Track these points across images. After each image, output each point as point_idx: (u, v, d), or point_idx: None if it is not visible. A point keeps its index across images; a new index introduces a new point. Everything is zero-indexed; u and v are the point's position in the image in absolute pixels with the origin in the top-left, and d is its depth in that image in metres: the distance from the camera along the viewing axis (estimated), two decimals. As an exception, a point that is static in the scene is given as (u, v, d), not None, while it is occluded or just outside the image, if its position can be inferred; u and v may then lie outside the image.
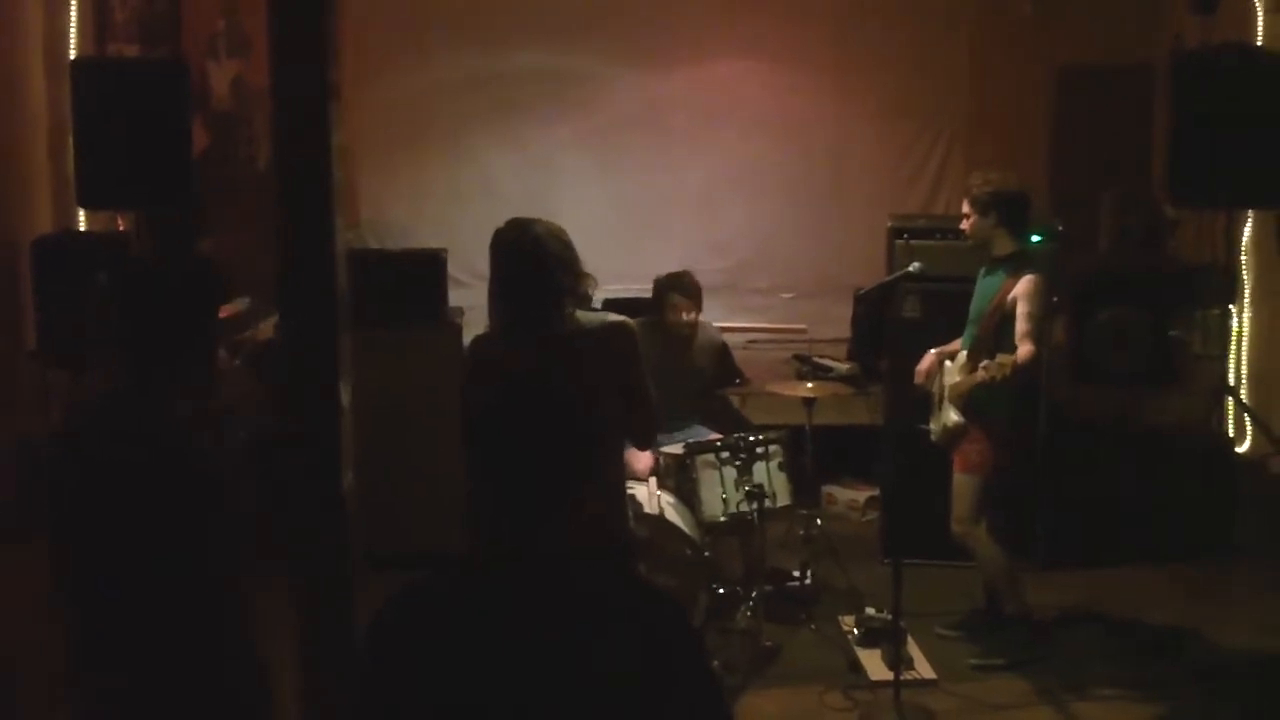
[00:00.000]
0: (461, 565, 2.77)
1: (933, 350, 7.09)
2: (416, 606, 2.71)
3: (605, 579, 2.75)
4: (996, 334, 6.64)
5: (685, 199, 12.88)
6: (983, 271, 6.88)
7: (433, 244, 9.15)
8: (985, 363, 6.43)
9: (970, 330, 6.84)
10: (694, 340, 7.73)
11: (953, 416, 6.75)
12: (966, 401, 6.69)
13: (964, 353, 6.80)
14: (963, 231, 6.91)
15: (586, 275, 4.92)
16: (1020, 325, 6.55)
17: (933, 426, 7.01)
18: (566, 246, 4.87)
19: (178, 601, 3.49)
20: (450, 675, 2.60)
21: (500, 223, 5.01)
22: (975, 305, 6.85)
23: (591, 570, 2.73)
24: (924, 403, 7.12)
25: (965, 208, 6.82)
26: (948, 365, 6.92)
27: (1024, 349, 6.45)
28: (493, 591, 2.65)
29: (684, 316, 7.59)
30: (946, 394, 6.82)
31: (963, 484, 6.78)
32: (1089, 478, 8.15)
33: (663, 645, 2.66)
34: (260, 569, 3.86)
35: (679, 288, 7.63)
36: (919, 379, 7.08)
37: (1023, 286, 6.59)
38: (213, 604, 3.58)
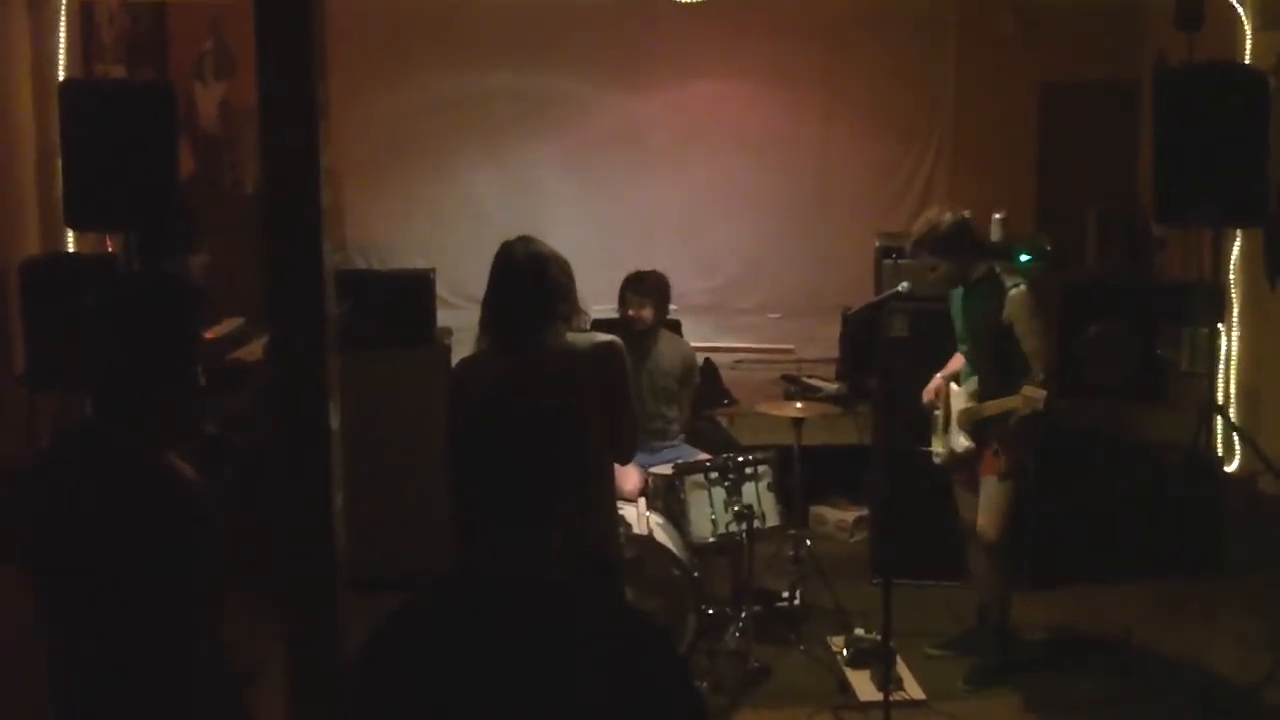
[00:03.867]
0: (447, 586, 2.76)
1: (938, 374, 7.08)
2: (404, 629, 2.70)
3: (590, 601, 2.75)
4: (998, 355, 6.63)
5: (669, 218, 12.92)
6: (959, 292, 6.85)
7: (419, 264, 9.16)
8: (1024, 394, 6.39)
9: (966, 352, 6.84)
10: (657, 340, 7.74)
11: (963, 441, 6.74)
12: (978, 428, 6.68)
13: (973, 379, 6.78)
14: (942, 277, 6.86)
15: (581, 311, 4.97)
16: (1028, 344, 6.52)
17: (937, 449, 7.01)
18: (568, 276, 4.93)
19: (156, 626, 3.47)
20: (437, 696, 2.59)
21: (485, 243, 5.05)
22: (965, 325, 6.83)
23: (577, 591, 2.73)
24: (925, 423, 7.12)
25: (928, 256, 6.76)
26: (954, 389, 6.91)
27: (1042, 372, 6.45)
28: (478, 614, 2.65)
29: (631, 313, 7.62)
30: (955, 418, 6.81)
31: (998, 491, 6.74)
32: (1076, 494, 8.15)
33: (646, 670, 2.66)
34: (246, 591, 3.85)
35: (633, 285, 7.69)
36: (927, 398, 7.08)
37: (1013, 307, 6.56)
38: (191, 628, 3.56)
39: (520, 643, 2.59)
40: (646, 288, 7.66)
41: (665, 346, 7.77)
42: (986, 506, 6.76)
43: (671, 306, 7.93)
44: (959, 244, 6.67)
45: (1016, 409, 6.44)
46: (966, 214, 6.77)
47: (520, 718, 2.55)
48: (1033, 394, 6.34)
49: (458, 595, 2.72)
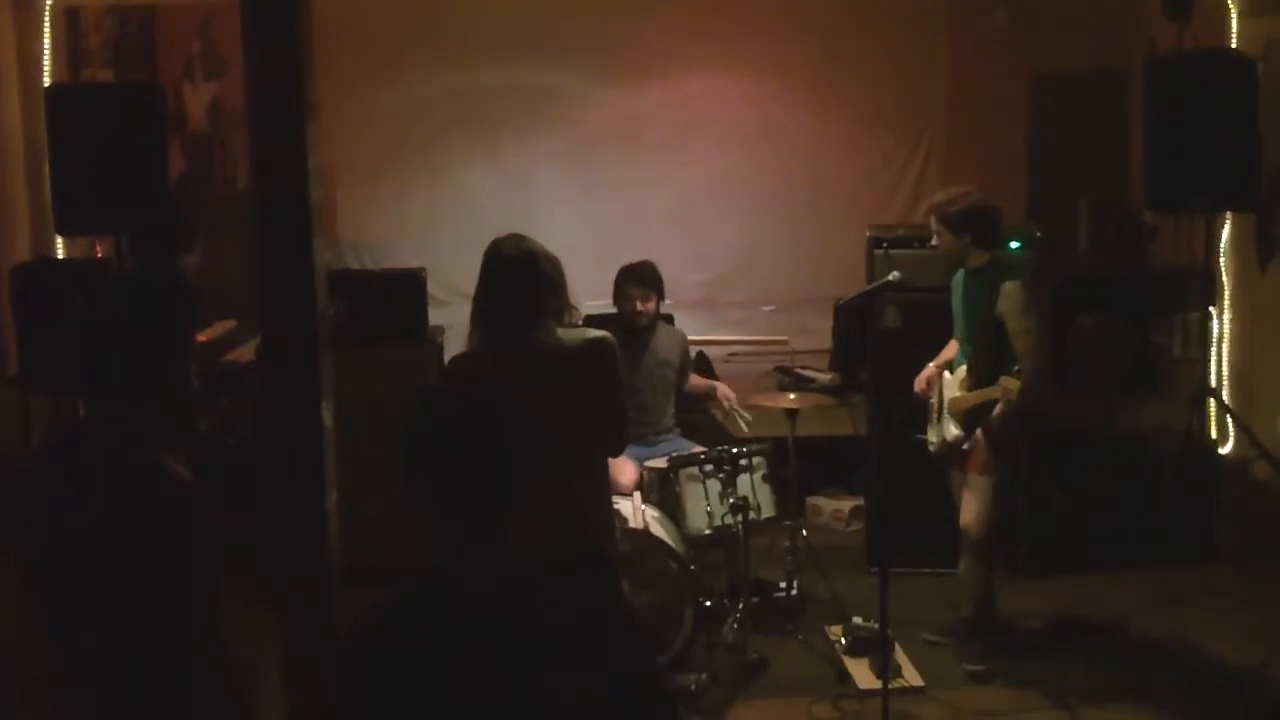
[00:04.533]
0: (413, 589, 2.77)
1: (931, 363, 7.10)
2: (374, 635, 2.72)
3: (558, 600, 2.74)
4: (991, 345, 6.63)
5: (663, 213, 12.88)
6: (960, 280, 6.86)
7: (412, 263, 9.14)
8: (1002, 384, 6.42)
9: (961, 340, 6.84)
10: (655, 331, 7.74)
11: (953, 430, 6.75)
12: (968, 417, 6.69)
13: (963, 367, 6.80)
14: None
15: (573, 307, 4.98)
16: (1017, 342, 6.54)
17: (931, 438, 7.02)
18: (559, 273, 4.94)
19: (152, 625, 3.47)
20: (408, 699, 2.60)
21: (477, 240, 5.05)
22: (962, 314, 6.84)
23: (543, 590, 2.73)
24: (920, 413, 7.13)
25: (933, 225, 6.80)
26: (947, 377, 6.93)
27: (1028, 367, 6.47)
28: (439, 616, 2.67)
29: (639, 306, 7.60)
30: (946, 407, 6.82)
31: (980, 486, 6.75)
32: (1070, 484, 8.16)
33: (615, 669, 2.67)
34: (240, 588, 3.85)
35: (633, 277, 7.68)
36: (919, 387, 7.09)
37: (1006, 301, 6.58)
38: (189, 627, 3.56)
39: (484, 645, 2.60)
40: (648, 279, 7.65)
41: (663, 337, 7.79)
42: (969, 502, 6.78)
43: (665, 300, 7.93)
44: (969, 224, 6.68)
45: (997, 398, 6.46)
46: (991, 202, 6.79)
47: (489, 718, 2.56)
48: (1008, 384, 6.37)
49: (421, 598, 2.74)
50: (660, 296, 7.71)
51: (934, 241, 6.84)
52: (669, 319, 8.37)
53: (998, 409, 6.54)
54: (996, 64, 12.64)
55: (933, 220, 6.79)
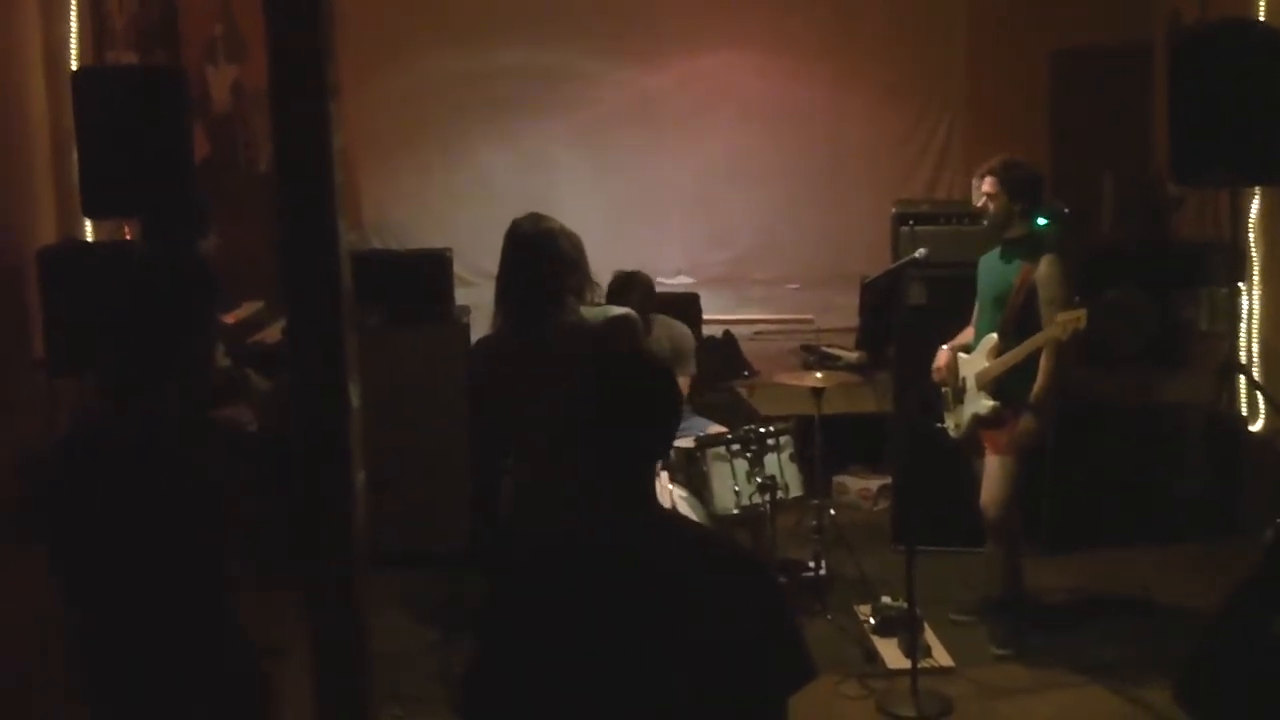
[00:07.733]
0: (573, 533, 3.03)
1: (945, 346, 7.04)
2: (537, 570, 3.01)
3: (700, 541, 3.03)
4: (1021, 317, 6.61)
5: (683, 192, 12.90)
6: (997, 254, 6.82)
7: (435, 243, 9.15)
8: (1059, 321, 6.39)
9: (990, 316, 6.79)
10: (650, 329, 7.63)
11: (985, 403, 6.69)
12: (998, 386, 6.64)
13: (992, 335, 6.73)
14: (982, 211, 6.81)
15: (594, 284, 4.97)
16: (1048, 312, 6.51)
17: (950, 423, 6.97)
18: (578, 250, 4.94)
19: (175, 607, 3.49)
20: (568, 630, 2.83)
21: (500, 220, 5.06)
22: (992, 289, 6.79)
23: (684, 531, 3.05)
24: (936, 400, 7.09)
25: (989, 188, 6.73)
26: (964, 357, 6.88)
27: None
28: (608, 552, 2.89)
29: None
30: (973, 382, 6.77)
31: (1000, 468, 6.72)
32: (1096, 458, 8.13)
33: (752, 610, 2.85)
34: (266, 570, 3.86)
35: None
36: (937, 376, 7.04)
37: (1043, 269, 6.56)
38: (211, 609, 3.58)
39: (644, 578, 2.82)
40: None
41: (660, 332, 7.70)
42: (989, 483, 6.74)
43: (688, 279, 7.90)
44: (1025, 190, 6.66)
45: (1055, 338, 6.38)
46: (1038, 172, 6.81)
47: (636, 647, 2.78)
48: (1068, 316, 6.31)
49: (578, 547, 2.97)
50: (643, 304, 7.58)
51: (982, 203, 6.78)
52: (695, 299, 8.29)
53: (1044, 360, 6.49)
54: (1018, 36, 12.63)
55: (988, 183, 6.72)
